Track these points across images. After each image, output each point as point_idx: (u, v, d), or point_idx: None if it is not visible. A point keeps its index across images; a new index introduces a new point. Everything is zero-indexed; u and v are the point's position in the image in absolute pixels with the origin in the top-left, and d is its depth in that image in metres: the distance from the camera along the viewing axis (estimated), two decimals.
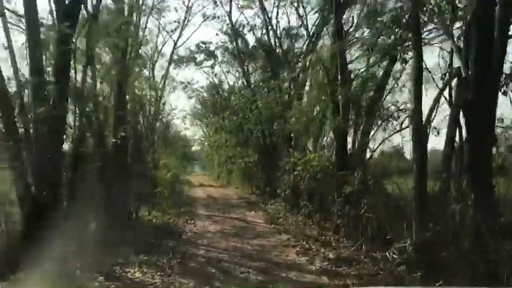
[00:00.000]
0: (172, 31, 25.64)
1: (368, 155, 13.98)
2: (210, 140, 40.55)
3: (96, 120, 11.95)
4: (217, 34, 27.50)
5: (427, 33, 10.99)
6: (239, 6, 23.69)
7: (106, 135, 12.61)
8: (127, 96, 15.03)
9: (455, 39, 9.00)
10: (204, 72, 31.85)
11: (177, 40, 26.34)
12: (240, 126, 26.28)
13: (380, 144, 14.33)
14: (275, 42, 21.67)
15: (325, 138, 16.52)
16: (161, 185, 17.74)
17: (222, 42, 27.30)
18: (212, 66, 30.38)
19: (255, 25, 23.60)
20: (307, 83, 19.01)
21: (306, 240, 11.08)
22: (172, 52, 26.52)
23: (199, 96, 38.54)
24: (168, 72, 26.58)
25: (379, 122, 14.12)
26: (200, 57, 30.39)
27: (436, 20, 9.64)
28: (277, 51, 21.61)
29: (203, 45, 29.63)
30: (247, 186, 26.38)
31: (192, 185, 34.89)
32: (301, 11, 19.77)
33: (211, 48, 28.93)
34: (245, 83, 24.70)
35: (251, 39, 25.10)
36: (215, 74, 31.36)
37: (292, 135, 17.99)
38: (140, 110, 20.27)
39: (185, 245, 10.90)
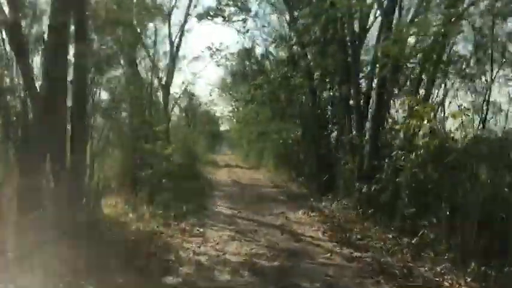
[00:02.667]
0: None
1: None
2: (238, 114, 33.64)
3: None
4: None
5: None
6: None
7: None
8: None
9: None
10: (236, 30, 24.59)
11: None
12: (276, 93, 19.19)
13: None
14: None
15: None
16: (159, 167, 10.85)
17: None
18: (244, 21, 23.09)
19: None
20: None
21: None
22: None
23: (228, 64, 31.22)
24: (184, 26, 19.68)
25: None
26: (230, 10, 23.25)
27: None
28: None
29: None
30: (285, 170, 19.33)
31: (217, 165, 28.14)
32: None
33: None
34: (290, 35, 17.20)
35: None
36: (247, 31, 24.00)
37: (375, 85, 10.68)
38: None
39: None
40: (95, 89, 9.76)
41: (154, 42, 17.61)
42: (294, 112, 17.94)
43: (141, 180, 10.03)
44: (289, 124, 18.39)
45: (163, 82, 18.91)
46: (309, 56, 14.20)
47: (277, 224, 9.01)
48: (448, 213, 6.07)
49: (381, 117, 9.72)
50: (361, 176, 9.85)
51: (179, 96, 22.71)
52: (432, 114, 5.85)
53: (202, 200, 11.66)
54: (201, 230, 8.17)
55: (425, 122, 5.94)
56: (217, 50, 29.33)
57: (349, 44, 11.67)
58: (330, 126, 14.84)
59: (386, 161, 8.15)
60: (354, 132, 11.39)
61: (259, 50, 30.44)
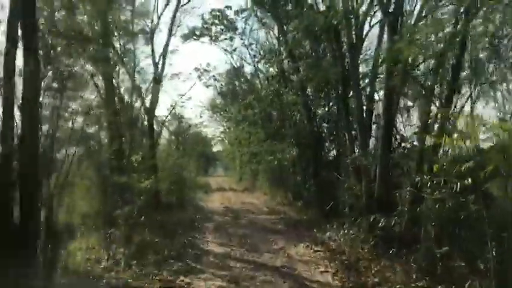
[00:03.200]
0: None
1: None
2: (229, 135, 32.24)
3: None
4: None
5: None
6: None
7: None
8: None
9: None
10: (223, 49, 23.37)
11: None
12: (267, 112, 17.89)
13: None
14: None
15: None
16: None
17: None
18: (231, 39, 21.90)
19: None
20: None
21: None
22: (175, 13, 18.31)
23: (217, 85, 29.90)
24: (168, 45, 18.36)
25: None
26: (216, 28, 22.09)
27: None
28: None
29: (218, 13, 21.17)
30: (280, 193, 17.85)
31: (210, 189, 26.55)
32: None
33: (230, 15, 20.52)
34: (279, 50, 15.88)
35: None
36: (234, 50, 22.79)
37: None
38: None
39: None
40: (66, 114, 8.39)
41: (134, 64, 16.32)
42: (288, 131, 16.57)
43: (117, 218, 8.49)
44: (284, 144, 16.98)
45: (147, 105, 17.50)
46: (301, 71, 12.90)
47: (278, 266, 7.47)
48: (496, 256, 4.61)
49: (389, 134, 8.34)
50: (371, 203, 8.41)
51: (165, 118, 21.16)
52: (478, 130, 4.45)
53: (189, 235, 10.12)
54: (186, 280, 6.62)
55: (468, 140, 4.52)
56: (205, 70, 28.31)
57: (347, 53, 10.36)
58: (327, 144, 13.46)
59: (408, 188, 6.70)
60: (358, 151, 9.99)
61: (248, 69, 29.36)
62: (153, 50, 18.11)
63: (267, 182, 21.53)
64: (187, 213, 13.89)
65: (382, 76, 10.00)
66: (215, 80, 28.39)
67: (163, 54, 18.23)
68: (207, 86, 28.44)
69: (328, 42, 11.86)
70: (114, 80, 13.92)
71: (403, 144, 9.24)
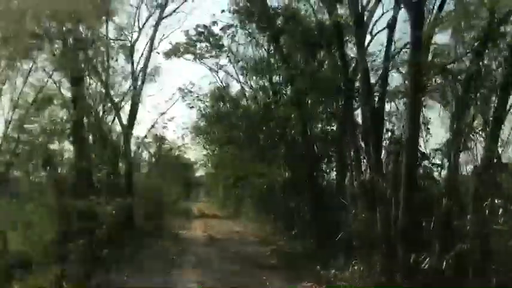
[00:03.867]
0: None
1: None
2: (212, 158, 30.29)
3: None
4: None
5: None
6: None
7: None
8: None
9: None
10: (207, 67, 21.69)
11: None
12: (255, 131, 16.16)
13: None
14: None
15: None
16: None
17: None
18: (217, 56, 20.27)
19: None
20: None
21: None
22: (158, 25, 16.77)
23: (201, 106, 28.03)
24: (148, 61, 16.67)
25: None
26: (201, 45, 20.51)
27: None
28: None
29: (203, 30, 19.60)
30: (269, 220, 15.91)
31: (191, 215, 24.38)
32: None
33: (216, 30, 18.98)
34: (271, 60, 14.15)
35: None
36: (220, 67, 21.12)
37: None
38: None
39: None
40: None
41: (108, 78, 14.49)
42: (278, 151, 14.83)
43: (72, 253, 6.48)
44: (273, 166, 15.21)
45: (124, 123, 15.57)
46: (296, 81, 11.28)
47: None
48: None
49: (414, 149, 6.65)
50: (389, 234, 6.63)
51: (143, 137, 19.06)
52: None
53: (164, 272, 8.10)
54: None
55: None
56: (189, 91, 26.57)
57: (356, 51, 8.73)
58: (323, 166, 11.73)
59: (468, 217, 4.95)
60: (368, 172, 8.27)
61: (234, 88, 27.72)
62: (132, 64, 16.42)
63: (253, 208, 19.58)
64: (164, 244, 11.83)
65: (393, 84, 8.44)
66: (199, 100, 26.69)
67: (144, 70, 16.49)
68: (191, 107, 26.72)
69: (328, 50, 10.35)
70: (84, 94, 12.10)
71: (423, 163, 7.57)
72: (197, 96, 26.66)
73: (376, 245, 7.24)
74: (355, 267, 7.62)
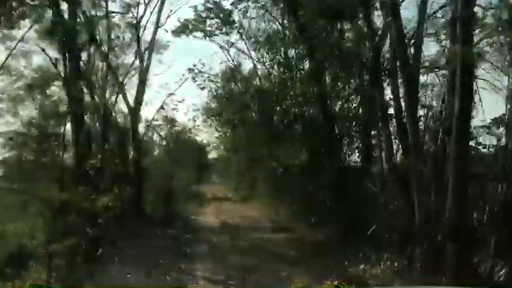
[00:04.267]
0: None
1: None
2: (225, 141, 29.27)
3: None
4: None
5: None
6: None
7: None
8: None
9: None
10: (218, 45, 20.43)
11: None
12: (269, 111, 15.08)
13: None
14: None
15: None
16: None
17: None
18: (227, 33, 19.02)
19: None
20: None
21: None
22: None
23: (212, 87, 26.74)
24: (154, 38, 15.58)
25: None
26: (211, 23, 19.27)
27: None
28: None
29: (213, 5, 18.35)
30: (285, 204, 14.92)
31: (204, 199, 23.53)
32: None
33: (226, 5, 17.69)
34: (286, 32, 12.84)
35: None
36: (232, 45, 19.86)
37: None
38: None
39: None
40: None
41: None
42: (294, 132, 13.73)
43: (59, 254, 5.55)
44: (290, 147, 14.14)
45: (130, 104, 14.58)
46: (315, 54, 10.07)
47: None
48: None
49: (466, 126, 5.50)
50: (430, 227, 5.57)
51: (152, 119, 18.01)
52: None
53: (173, 267, 7.20)
54: None
55: None
56: (199, 72, 25.39)
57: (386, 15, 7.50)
58: (345, 147, 10.61)
59: None
60: (401, 154, 7.16)
61: (246, 66, 26.39)
62: (138, 42, 15.32)
63: (267, 191, 18.58)
64: (175, 233, 10.96)
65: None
66: (210, 81, 25.54)
67: (150, 48, 15.39)
68: (202, 88, 25.60)
69: (351, 19, 9.11)
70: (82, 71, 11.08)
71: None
72: (208, 77, 25.65)
73: (415, 239, 6.20)
74: (388, 263, 6.61)
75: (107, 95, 13.99)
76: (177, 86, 19.23)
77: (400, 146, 7.43)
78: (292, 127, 13.18)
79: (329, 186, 10.18)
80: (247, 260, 7.88)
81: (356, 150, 10.19)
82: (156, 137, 21.88)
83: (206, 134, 34.35)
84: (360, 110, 9.98)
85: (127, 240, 8.32)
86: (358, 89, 9.94)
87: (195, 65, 23.10)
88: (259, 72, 20.02)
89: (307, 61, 11.16)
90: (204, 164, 43.34)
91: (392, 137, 7.72)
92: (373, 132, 9.32)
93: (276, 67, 13.66)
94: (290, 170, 14.20)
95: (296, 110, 12.59)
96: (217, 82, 25.77)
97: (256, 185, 21.67)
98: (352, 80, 10.27)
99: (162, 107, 18.81)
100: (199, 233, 11.23)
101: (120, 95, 14.45)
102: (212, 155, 42.67)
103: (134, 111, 14.57)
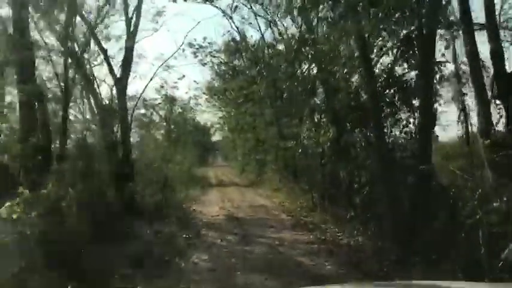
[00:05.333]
0: None
1: None
2: (229, 121, 26.45)
3: None
4: None
5: None
6: None
7: None
8: None
9: None
10: (220, 9, 17.40)
11: None
12: (281, 81, 12.19)
13: None
14: None
15: None
16: None
17: None
18: None
19: None
20: None
21: None
22: None
23: (214, 62, 23.66)
24: None
25: None
26: None
27: None
28: None
29: None
30: (301, 190, 12.16)
31: (207, 183, 20.86)
32: None
33: None
34: None
35: None
36: (235, 8, 16.84)
37: None
38: None
39: None
40: None
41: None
42: (312, 105, 10.83)
43: None
44: (307, 123, 11.28)
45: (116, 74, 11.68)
46: None
47: None
48: None
49: None
50: None
51: (141, 93, 14.97)
52: None
53: None
54: None
55: None
56: (200, 47, 22.41)
57: None
58: (390, 120, 7.70)
59: None
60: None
61: (252, 37, 23.26)
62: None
63: (279, 175, 15.82)
64: (169, 232, 8.23)
65: None
66: (212, 56, 22.55)
67: (138, 7, 12.33)
68: (203, 64, 22.63)
69: None
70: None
71: None
72: (210, 52, 22.68)
73: None
74: None
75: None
76: (177, 63, 16.37)
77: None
78: (309, 99, 10.26)
79: (370, 171, 7.32)
80: (265, 284, 5.10)
81: (403, 126, 7.31)
82: (152, 116, 18.88)
83: (209, 115, 31.45)
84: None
85: (94, 245, 5.60)
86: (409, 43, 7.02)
87: (195, 40, 20.16)
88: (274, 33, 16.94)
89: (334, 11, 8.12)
90: (207, 147, 40.63)
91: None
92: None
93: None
94: (308, 150, 11.38)
95: (318, 75, 9.66)
96: (221, 58, 22.88)
97: (265, 168, 18.92)
98: (399, 31, 7.32)
99: (151, 79, 15.88)
100: (199, 233, 8.47)
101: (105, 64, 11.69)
102: (216, 137, 40.05)
103: (119, 83, 11.67)
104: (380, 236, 6.62)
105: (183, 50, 16.84)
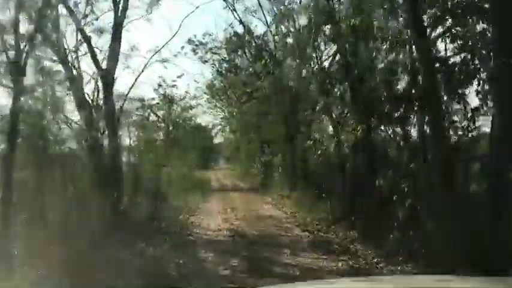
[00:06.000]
0: None
1: None
2: (231, 121, 24.62)
3: None
4: None
5: None
6: None
7: None
8: None
9: None
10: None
11: None
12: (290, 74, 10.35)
13: None
14: None
15: None
16: None
17: None
18: None
19: None
20: None
21: None
22: None
23: (215, 59, 21.81)
24: None
25: None
26: None
27: None
28: None
29: None
30: (320, 203, 10.14)
31: (207, 188, 18.88)
32: None
33: None
34: None
35: None
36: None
37: None
38: None
39: None
40: None
41: None
42: (331, 99, 8.94)
43: None
44: (325, 121, 9.41)
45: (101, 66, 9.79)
46: None
47: None
48: None
49: None
50: None
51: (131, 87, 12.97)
52: None
53: None
54: None
55: None
56: (200, 43, 20.60)
57: None
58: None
59: None
60: None
61: (257, 27, 21.36)
62: None
63: (288, 180, 13.85)
64: (158, 253, 6.37)
65: None
66: (213, 53, 20.74)
67: None
68: (204, 62, 20.82)
69: None
70: None
71: None
72: (210, 49, 20.94)
73: None
74: None
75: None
76: (174, 59, 14.76)
77: None
78: (333, 88, 8.36)
79: (440, 182, 5.38)
80: None
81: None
82: (149, 116, 16.89)
83: (211, 116, 29.41)
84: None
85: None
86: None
87: (195, 36, 18.51)
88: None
89: None
90: (208, 149, 38.59)
91: None
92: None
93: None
94: (325, 152, 9.49)
95: (342, 61, 7.79)
96: (223, 56, 21.07)
97: (271, 171, 16.97)
98: None
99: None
100: (196, 255, 6.58)
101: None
102: (218, 139, 38.08)
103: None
104: (437, 264, 4.73)
105: (182, 47, 15.06)
